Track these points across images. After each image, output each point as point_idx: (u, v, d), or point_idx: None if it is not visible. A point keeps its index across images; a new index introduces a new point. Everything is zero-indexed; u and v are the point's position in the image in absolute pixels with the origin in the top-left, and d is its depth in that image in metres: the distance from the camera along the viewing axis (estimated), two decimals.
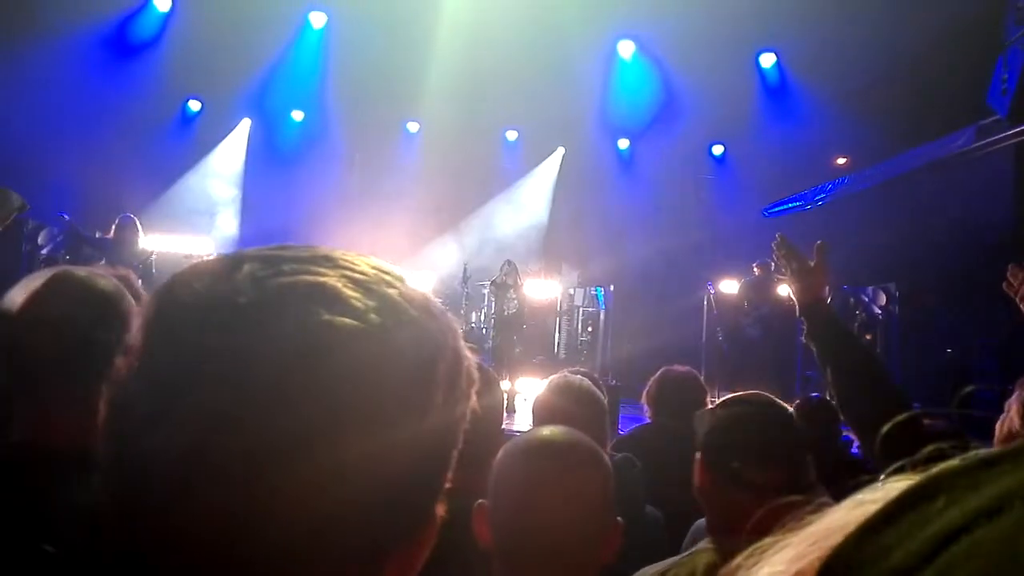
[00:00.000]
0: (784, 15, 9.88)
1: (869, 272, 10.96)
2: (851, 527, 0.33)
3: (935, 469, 0.33)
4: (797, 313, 2.21)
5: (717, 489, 1.76)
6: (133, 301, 1.42)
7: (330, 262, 0.59)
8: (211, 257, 0.61)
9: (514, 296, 9.83)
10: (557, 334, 11.90)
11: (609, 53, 12.03)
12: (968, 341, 9.53)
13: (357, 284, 0.57)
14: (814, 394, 4.56)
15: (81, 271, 1.43)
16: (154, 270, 8.86)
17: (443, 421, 0.60)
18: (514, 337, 9.77)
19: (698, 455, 1.83)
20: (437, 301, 0.64)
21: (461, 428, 0.63)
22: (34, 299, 1.34)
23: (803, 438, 1.84)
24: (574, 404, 2.61)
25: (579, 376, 2.79)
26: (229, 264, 0.57)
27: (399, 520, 0.58)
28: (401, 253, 12.99)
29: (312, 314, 0.54)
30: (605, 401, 2.81)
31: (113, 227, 8.86)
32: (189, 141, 12.99)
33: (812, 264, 2.21)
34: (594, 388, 2.71)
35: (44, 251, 10.03)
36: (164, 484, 0.52)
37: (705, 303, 10.67)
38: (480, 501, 1.49)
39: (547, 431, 1.51)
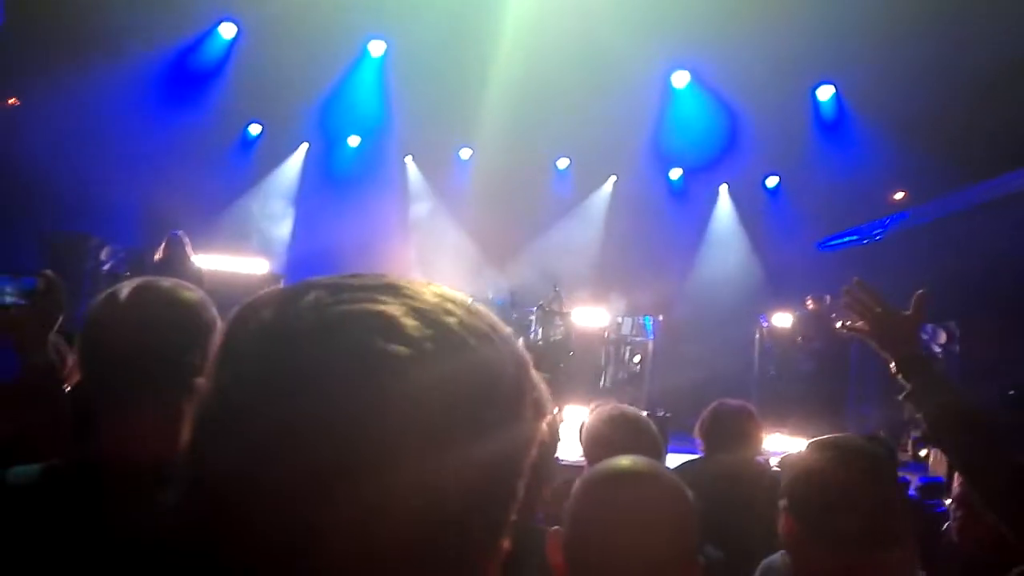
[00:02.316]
0: (843, 46, 9.77)
1: (930, 309, 10.69)
2: None
3: None
4: (893, 370, 2.03)
5: (801, 539, 1.72)
6: (216, 313, 1.43)
7: (394, 291, 0.60)
8: (286, 286, 0.63)
9: (560, 323, 9.80)
10: (604, 363, 11.80)
11: (663, 83, 12.01)
12: None
13: (417, 313, 0.58)
14: (871, 433, 4.45)
15: (166, 282, 1.45)
16: (204, 286, 8.98)
17: (501, 449, 0.60)
18: (560, 364, 9.73)
19: (782, 503, 1.78)
20: (505, 330, 0.64)
21: (526, 457, 0.63)
22: (119, 308, 1.35)
23: (892, 485, 1.78)
24: (631, 436, 2.58)
25: (632, 408, 2.77)
26: (297, 292, 0.60)
27: (451, 551, 0.57)
28: (449, 279, 13.07)
29: (368, 342, 0.55)
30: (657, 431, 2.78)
31: (163, 245, 9.07)
32: (248, 164, 13.29)
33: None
34: (648, 420, 2.69)
35: (106, 267, 10.29)
36: (227, 500, 0.54)
37: (757, 336, 10.51)
38: (555, 528, 1.47)
39: (629, 461, 1.47)
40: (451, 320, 0.59)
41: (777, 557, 2.09)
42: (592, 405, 3.46)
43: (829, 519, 1.63)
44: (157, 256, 9.13)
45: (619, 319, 12.41)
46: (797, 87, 11.29)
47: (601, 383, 11.36)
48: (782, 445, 8.71)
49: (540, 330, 9.92)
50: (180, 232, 9.27)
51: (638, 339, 11.83)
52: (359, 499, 0.53)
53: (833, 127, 11.81)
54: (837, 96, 11.68)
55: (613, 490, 1.41)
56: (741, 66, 10.27)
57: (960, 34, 8.81)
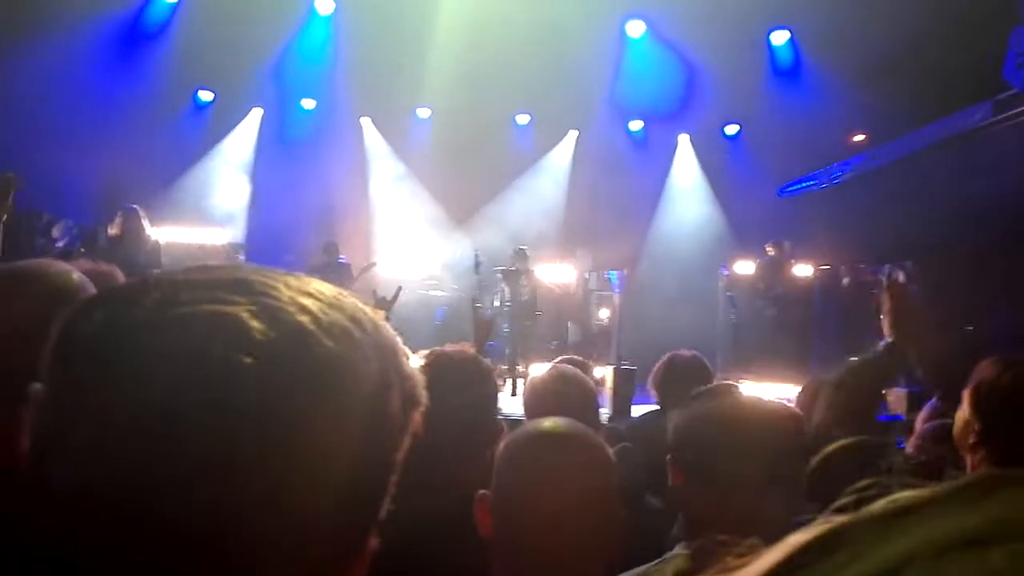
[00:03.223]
0: None
1: (885, 250, 10.85)
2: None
3: (845, 519, 0.32)
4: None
5: (689, 488, 1.72)
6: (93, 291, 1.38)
7: (244, 287, 0.56)
8: (123, 284, 0.60)
9: (526, 283, 9.81)
10: (571, 319, 11.87)
11: (618, 33, 11.92)
12: (986, 318, 9.42)
13: (265, 312, 0.55)
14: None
15: (42, 265, 1.38)
16: (162, 258, 8.89)
17: (361, 451, 0.57)
18: (527, 324, 9.76)
19: (668, 455, 1.78)
20: (370, 321, 0.60)
21: (394, 453, 0.61)
22: None
23: (782, 435, 1.77)
24: (561, 392, 2.64)
25: (570, 367, 2.84)
26: (136, 290, 0.56)
27: (312, 554, 0.55)
28: (412, 240, 13.00)
29: (207, 349, 0.52)
30: (594, 385, 2.86)
31: (117, 219, 8.89)
32: (201, 131, 13.02)
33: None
34: (580, 374, 2.75)
35: (59, 244, 10.09)
36: (60, 512, 0.52)
37: (720, 285, 10.61)
38: (482, 492, 1.48)
39: (549, 422, 1.50)
40: (304, 319, 0.55)
41: None
42: (556, 360, 3.49)
43: (715, 466, 1.63)
44: (112, 231, 8.97)
45: (585, 274, 12.47)
46: (752, 33, 11.27)
47: (568, 339, 11.43)
48: (747, 391, 8.87)
49: (506, 290, 9.92)
50: (135, 206, 9.09)
51: (604, 293, 11.90)
52: (205, 509, 0.50)
53: (789, 72, 11.83)
54: (792, 41, 11.68)
55: (532, 452, 1.44)
56: (695, 13, 10.21)
57: None
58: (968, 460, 2.00)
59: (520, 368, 9.45)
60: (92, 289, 1.36)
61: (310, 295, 0.58)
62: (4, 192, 2.03)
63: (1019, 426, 1.86)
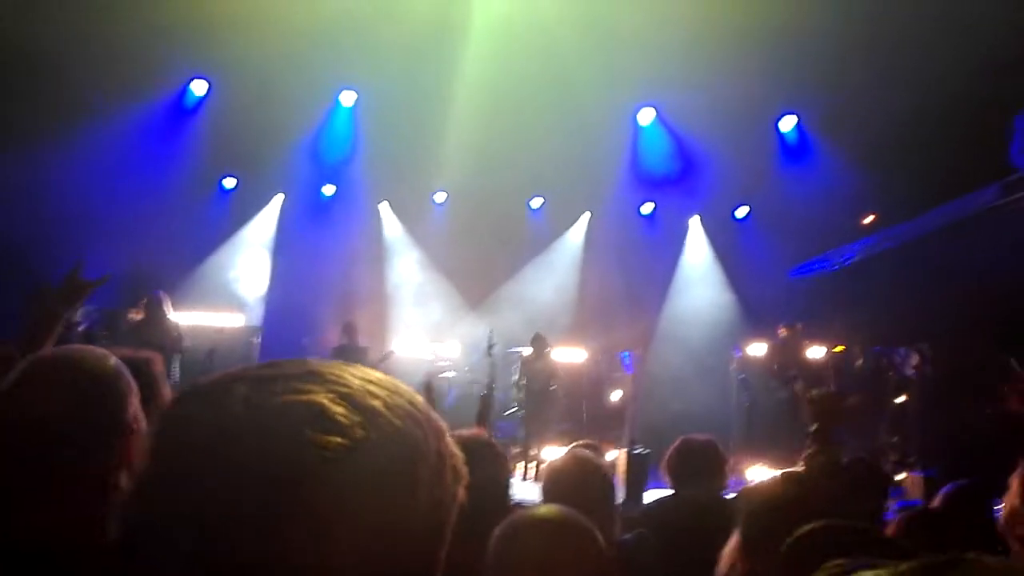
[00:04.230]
0: (804, 78, 10.00)
1: (900, 332, 10.83)
2: None
3: None
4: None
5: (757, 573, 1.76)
6: (132, 381, 1.43)
7: (318, 378, 0.64)
8: (209, 379, 0.66)
9: (542, 368, 9.85)
10: (584, 400, 11.83)
11: (630, 119, 12.22)
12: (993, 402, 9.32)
13: (343, 398, 0.62)
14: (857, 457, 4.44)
15: (81, 351, 1.44)
16: (184, 343, 9.07)
17: (426, 522, 0.64)
18: (542, 407, 9.74)
19: (739, 540, 1.83)
20: (422, 406, 0.69)
21: (448, 524, 0.68)
22: (29, 379, 1.35)
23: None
24: (580, 472, 2.67)
25: (586, 452, 2.86)
26: (223, 387, 0.63)
27: None
28: (430, 323, 13.10)
29: (300, 434, 0.59)
30: (610, 470, 2.87)
31: (142, 304, 9.09)
32: (223, 217, 13.32)
33: None
34: (598, 459, 2.77)
35: (80, 327, 10.24)
36: None
37: (732, 367, 10.59)
38: None
39: (543, 510, 1.57)
40: (376, 403, 0.63)
41: None
42: (571, 446, 3.53)
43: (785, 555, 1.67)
44: (137, 316, 9.17)
45: (598, 356, 12.49)
46: (760, 119, 11.51)
47: (582, 421, 11.38)
48: (761, 475, 8.75)
49: (519, 374, 9.95)
50: (159, 291, 9.32)
51: (616, 375, 11.88)
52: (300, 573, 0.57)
53: (798, 155, 12.02)
54: (799, 126, 11.92)
55: (524, 537, 1.50)
56: (704, 101, 10.47)
57: (915, 60, 9.05)
58: (1015, 547, 1.94)
59: (533, 452, 9.42)
60: (127, 375, 1.42)
61: (372, 382, 0.66)
62: (81, 295, 2.11)
63: None
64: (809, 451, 2.32)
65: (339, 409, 0.61)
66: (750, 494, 1.94)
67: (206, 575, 0.57)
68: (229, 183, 13.40)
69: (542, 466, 9.15)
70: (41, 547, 1.22)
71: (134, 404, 1.41)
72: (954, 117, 9.24)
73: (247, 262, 13.40)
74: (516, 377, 9.92)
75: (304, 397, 0.61)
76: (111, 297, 10.73)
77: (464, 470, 0.71)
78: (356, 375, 0.66)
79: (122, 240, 10.90)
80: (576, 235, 14.60)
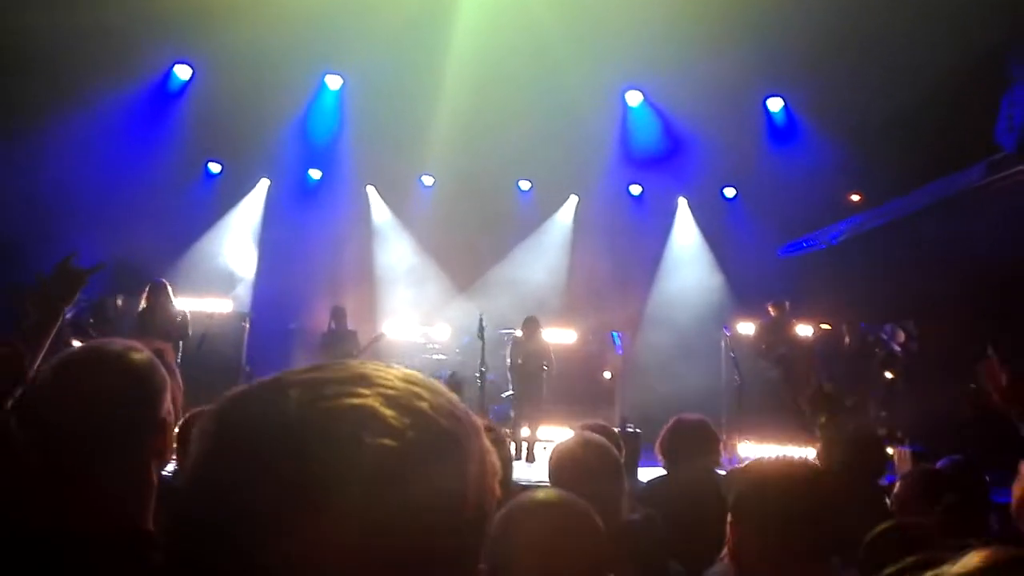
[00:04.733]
0: (790, 59, 10.01)
1: (887, 309, 10.93)
2: None
3: None
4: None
5: (748, 551, 1.81)
6: (165, 375, 1.45)
7: (366, 381, 0.67)
8: (260, 382, 0.69)
9: (534, 350, 9.86)
10: (575, 381, 11.88)
11: (618, 101, 12.21)
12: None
13: (391, 401, 0.65)
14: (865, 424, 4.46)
15: (116, 345, 1.43)
16: (190, 331, 9.11)
17: (473, 518, 0.67)
18: (533, 387, 9.77)
19: (730, 517, 1.87)
20: (460, 404, 0.71)
21: (490, 520, 0.71)
22: (67, 376, 1.34)
23: (837, 500, 1.88)
24: (588, 454, 2.69)
25: (595, 435, 2.87)
26: (276, 390, 0.66)
27: None
28: (419, 306, 13.10)
29: (357, 438, 0.62)
30: (620, 455, 2.87)
31: (145, 293, 9.06)
32: (209, 202, 13.26)
33: None
34: (605, 441, 2.78)
35: (68, 315, 10.20)
36: None
37: (722, 346, 10.67)
38: (479, 566, 1.56)
39: (541, 494, 1.59)
40: (423, 404, 0.66)
41: (718, 568, 2.17)
42: (578, 427, 3.55)
43: (777, 534, 1.72)
44: (141, 304, 9.20)
45: (588, 336, 12.54)
46: (747, 100, 11.52)
47: (573, 401, 11.43)
48: (752, 452, 8.85)
49: (510, 356, 9.96)
50: (163, 280, 9.33)
51: (607, 355, 11.94)
52: (356, 572, 0.59)
53: (785, 135, 12.05)
54: (786, 107, 11.95)
55: (523, 521, 1.52)
56: (691, 83, 10.47)
57: (902, 40, 9.07)
58: None
59: (525, 432, 9.46)
60: (161, 370, 1.43)
61: (416, 384, 0.69)
62: (77, 286, 2.09)
63: None
64: (823, 435, 2.37)
65: (389, 412, 0.64)
66: (741, 473, 1.98)
67: (260, 574, 0.59)
68: (215, 168, 13.33)
69: (547, 448, 9.21)
70: (74, 540, 1.23)
71: (167, 400, 1.42)
72: (940, 97, 9.28)
73: (234, 247, 13.35)
74: (509, 359, 9.93)
75: (356, 401, 0.64)
76: (98, 285, 10.67)
77: (499, 465, 0.74)
78: (400, 377, 0.69)
79: (108, 227, 10.83)
80: (565, 217, 14.62)
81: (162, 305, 9.06)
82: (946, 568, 0.60)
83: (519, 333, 10.06)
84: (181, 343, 8.89)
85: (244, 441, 0.63)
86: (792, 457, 2.12)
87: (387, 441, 0.62)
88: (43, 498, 1.28)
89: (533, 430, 9.63)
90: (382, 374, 0.68)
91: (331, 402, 0.64)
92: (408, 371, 0.71)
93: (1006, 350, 2.33)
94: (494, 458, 0.72)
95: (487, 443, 0.72)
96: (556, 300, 13.32)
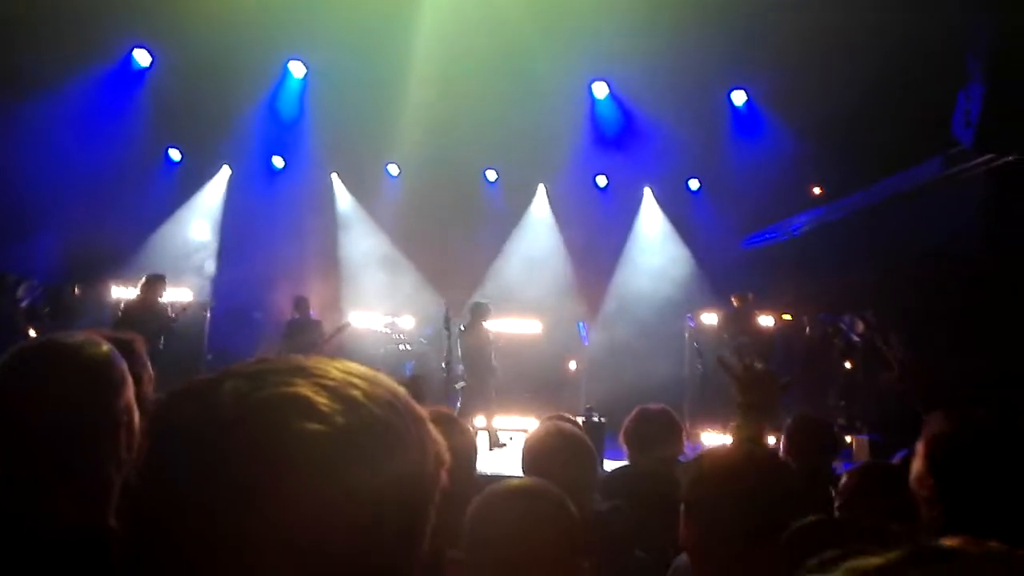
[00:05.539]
0: (753, 54, 10.12)
1: (846, 300, 11.11)
2: None
3: None
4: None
5: (702, 541, 1.83)
6: (125, 369, 1.42)
7: (303, 372, 0.68)
8: (200, 377, 0.70)
9: (484, 337, 9.74)
10: (540, 371, 11.92)
11: (583, 93, 12.24)
12: (937, 367, 9.61)
13: (326, 390, 0.66)
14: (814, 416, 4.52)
15: (73, 338, 1.40)
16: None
17: (407, 503, 0.68)
18: (483, 376, 9.63)
19: (682, 507, 1.88)
20: (403, 395, 0.72)
21: (431, 504, 0.72)
22: (21, 369, 1.31)
23: (786, 485, 1.90)
24: (560, 444, 2.72)
25: (568, 425, 2.89)
26: (215, 383, 0.67)
27: None
28: (385, 296, 13.03)
29: (284, 424, 0.63)
30: (590, 442, 2.90)
31: (142, 284, 9.26)
32: (170, 190, 13.06)
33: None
34: (577, 431, 2.81)
35: (23, 303, 10.00)
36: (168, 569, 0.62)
37: (686, 336, 10.77)
38: (452, 552, 1.56)
39: (515, 482, 1.60)
40: (356, 393, 0.67)
41: (683, 557, 2.20)
42: (544, 417, 3.57)
43: (729, 522, 1.74)
44: (138, 296, 9.19)
45: (552, 325, 12.58)
46: (710, 92, 11.62)
47: (537, 391, 11.47)
48: (715, 441, 8.96)
49: (461, 344, 9.79)
50: (161, 273, 9.52)
51: (572, 344, 12.00)
52: (288, 560, 0.61)
53: (748, 128, 12.18)
54: (749, 101, 12.07)
55: (497, 510, 1.53)
56: (656, 75, 10.53)
57: (861, 35, 9.20)
58: (924, 511, 2.03)
59: (479, 422, 9.36)
60: (121, 364, 1.40)
61: (354, 375, 0.70)
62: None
63: (976, 487, 1.83)
64: (735, 424, 2.40)
65: (321, 399, 0.65)
66: (694, 462, 2.00)
67: (200, 562, 0.60)
68: (175, 155, 13.13)
69: (513, 438, 9.21)
70: (38, 536, 1.21)
71: (126, 395, 1.39)
72: (899, 93, 9.43)
73: (195, 236, 13.17)
74: (458, 349, 9.74)
75: (289, 390, 0.65)
76: (55, 273, 10.48)
77: (447, 456, 0.75)
78: (339, 369, 0.70)
79: (66, 214, 10.63)
80: (531, 207, 14.62)
81: (154, 298, 9.25)
82: (864, 560, 0.61)
83: (468, 323, 9.92)
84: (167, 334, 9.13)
85: (180, 436, 0.64)
86: (743, 444, 2.14)
87: (315, 426, 0.63)
88: None
89: (489, 419, 9.51)
90: (322, 367, 0.69)
91: (265, 392, 0.65)
92: (353, 364, 0.72)
93: (882, 335, 2.41)
94: (440, 448, 0.73)
95: (432, 432, 0.73)
96: (522, 290, 13.33)
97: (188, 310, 9.97)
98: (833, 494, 3.05)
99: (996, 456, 1.80)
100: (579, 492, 1.94)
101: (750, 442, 2.34)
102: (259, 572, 0.60)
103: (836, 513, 2.79)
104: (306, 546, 0.61)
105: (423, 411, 0.73)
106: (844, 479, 2.97)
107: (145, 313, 8.87)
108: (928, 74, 9.15)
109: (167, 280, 9.57)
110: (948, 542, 0.60)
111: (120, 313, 9.16)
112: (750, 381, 2.39)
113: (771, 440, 3.69)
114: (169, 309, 9.43)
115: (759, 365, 2.45)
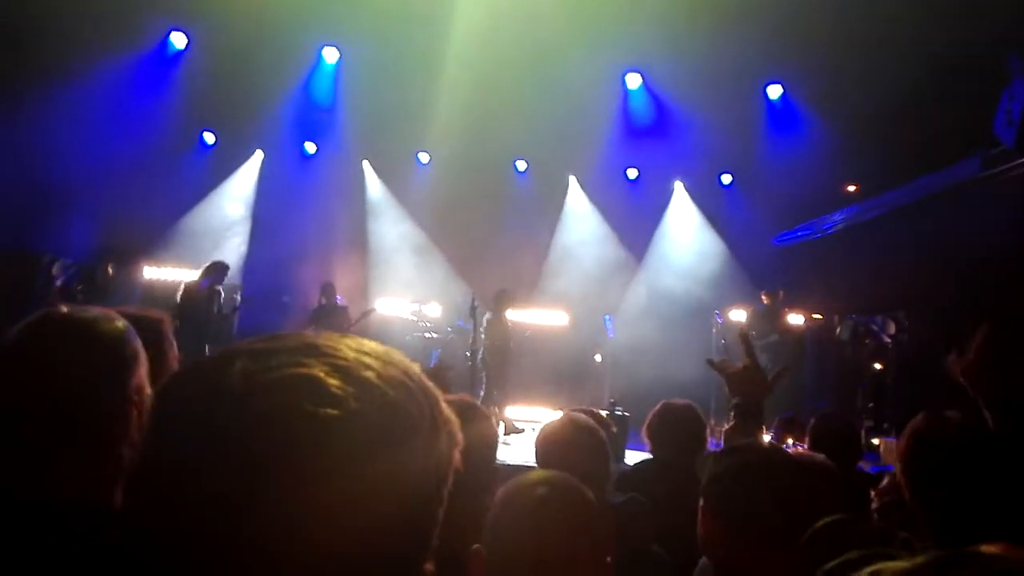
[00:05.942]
0: (790, 49, 9.98)
1: (879, 300, 10.95)
2: None
3: None
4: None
5: (722, 538, 1.80)
6: (139, 348, 1.39)
7: (314, 351, 0.65)
8: (209, 355, 0.68)
9: (504, 325, 9.75)
10: (565, 362, 11.89)
11: (616, 84, 12.15)
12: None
13: (338, 371, 0.64)
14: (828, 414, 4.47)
15: (88, 313, 1.38)
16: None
17: (421, 486, 0.66)
18: (504, 366, 9.65)
19: (701, 503, 1.85)
20: (416, 373, 0.70)
21: (443, 486, 0.70)
22: (32, 341, 1.30)
23: (811, 484, 1.86)
24: (575, 436, 2.69)
25: (583, 416, 2.87)
26: (222, 362, 0.64)
27: (378, 571, 0.63)
28: (411, 283, 13.07)
29: (296, 406, 0.60)
30: (606, 436, 2.87)
31: (204, 267, 9.95)
32: (203, 173, 13.19)
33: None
34: (593, 423, 2.78)
35: (57, 282, 10.18)
36: (168, 559, 0.59)
37: (714, 332, 10.67)
38: (476, 546, 1.54)
39: (538, 476, 1.58)
40: (370, 374, 0.65)
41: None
42: (566, 410, 3.55)
43: (747, 518, 1.71)
44: (201, 284, 9.54)
45: (579, 318, 12.54)
46: (746, 86, 11.48)
47: (561, 383, 11.44)
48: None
49: (485, 334, 9.81)
50: (225, 262, 10.15)
51: (599, 338, 11.95)
52: (298, 555, 0.59)
53: (783, 123, 12.03)
54: (785, 95, 11.91)
55: (520, 504, 1.50)
56: (692, 68, 10.42)
57: (903, 31, 9.03)
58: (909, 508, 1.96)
59: (496, 411, 9.37)
60: (135, 343, 1.38)
61: (368, 354, 0.68)
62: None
63: (945, 485, 1.70)
64: (729, 426, 2.36)
65: (334, 381, 0.63)
66: (713, 459, 1.96)
67: (203, 547, 0.58)
68: (209, 138, 13.25)
69: (534, 429, 9.17)
70: (46, 511, 1.21)
71: (139, 373, 1.37)
72: (939, 90, 9.26)
73: (226, 219, 13.29)
74: (482, 337, 9.77)
75: (301, 370, 0.63)
76: (90, 253, 10.65)
77: (460, 436, 0.73)
78: (352, 347, 0.68)
79: (101, 197, 10.79)
80: (559, 198, 14.55)
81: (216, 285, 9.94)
82: (890, 564, 0.58)
83: (493, 312, 9.93)
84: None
85: (186, 416, 0.62)
86: (764, 442, 2.09)
87: (329, 410, 0.61)
88: None
89: (502, 409, 9.52)
90: (333, 344, 0.67)
91: (275, 372, 0.62)
92: (366, 342, 0.70)
93: (964, 346, 2.29)
94: (453, 427, 0.71)
95: (447, 415, 0.71)
96: (549, 281, 13.30)
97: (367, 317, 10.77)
98: (872, 495, 3.00)
99: (963, 455, 1.73)
100: (593, 484, 1.91)
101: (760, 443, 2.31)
102: (265, 555, 0.58)
103: (874, 516, 2.74)
104: (314, 530, 0.59)
105: (436, 391, 0.71)
106: (886, 480, 2.91)
107: (200, 297, 9.38)
108: (969, 72, 8.96)
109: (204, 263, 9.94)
110: (974, 548, 0.58)
111: (179, 295, 9.55)
112: (742, 380, 2.35)
113: (766, 439, 3.64)
114: (221, 296, 10.05)
115: (747, 360, 2.41)
